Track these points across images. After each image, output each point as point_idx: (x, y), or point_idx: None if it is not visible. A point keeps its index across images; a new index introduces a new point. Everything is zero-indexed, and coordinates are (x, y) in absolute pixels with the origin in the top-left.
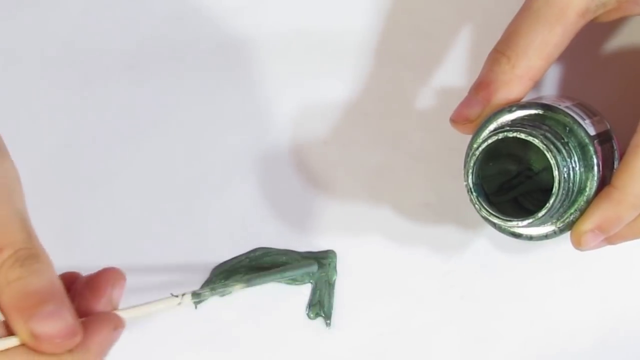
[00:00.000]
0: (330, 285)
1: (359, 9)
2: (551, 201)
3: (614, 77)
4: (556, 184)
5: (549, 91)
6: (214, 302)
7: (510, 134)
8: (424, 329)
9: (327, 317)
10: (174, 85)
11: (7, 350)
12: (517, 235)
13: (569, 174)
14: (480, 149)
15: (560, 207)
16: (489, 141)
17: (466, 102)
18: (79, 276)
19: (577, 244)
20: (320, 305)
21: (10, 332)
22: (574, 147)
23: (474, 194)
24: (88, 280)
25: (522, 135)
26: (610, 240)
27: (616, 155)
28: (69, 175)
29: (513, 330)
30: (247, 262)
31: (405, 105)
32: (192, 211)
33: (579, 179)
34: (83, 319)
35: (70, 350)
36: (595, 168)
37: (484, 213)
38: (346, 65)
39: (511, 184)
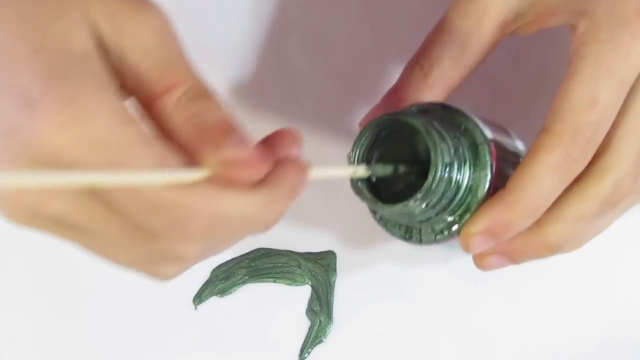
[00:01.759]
0: (330, 285)
1: (358, 9)
2: (427, 183)
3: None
4: (433, 169)
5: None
6: (214, 302)
7: (394, 116)
8: (424, 329)
9: (327, 317)
10: None
11: (193, 184)
12: (408, 238)
13: (452, 163)
14: (362, 134)
15: (441, 198)
16: (373, 124)
17: (375, 108)
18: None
19: (466, 247)
20: (320, 306)
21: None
22: (467, 146)
23: (354, 179)
24: (264, 140)
25: (402, 117)
26: (512, 257)
27: None
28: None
29: (513, 330)
30: (247, 262)
31: None
32: None
33: (469, 177)
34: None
35: (260, 185)
36: (488, 168)
37: (362, 196)
38: (346, 65)
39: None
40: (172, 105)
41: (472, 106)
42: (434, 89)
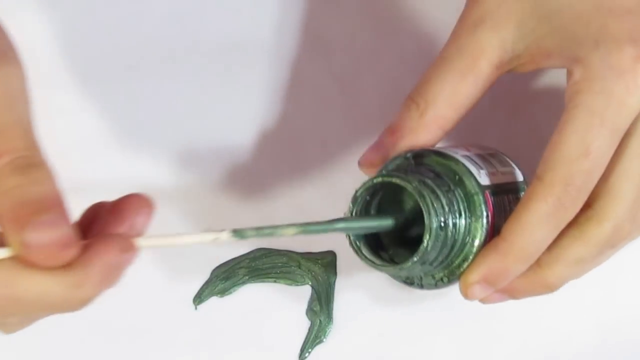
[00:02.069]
0: (330, 285)
1: (359, 9)
2: (421, 250)
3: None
4: (427, 233)
5: (465, 139)
6: (214, 303)
7: (387, 179)
8: (424, 329)
9: (327, 317)
10: (174, 85)
11: None
12: (410, 283)
13: (447, 223)
14: (358, 194)
15: (438, 255)
16: (367, 185)
17: (374, 146)
18: (105, 205)
19: (465, 295)
20: (320, 306)
21: (3, 244)
22: (461, 197)
23: (353, 237)
24: (111, 206)
25: (395, 180)
26: (512, 294)
27: None
28: (68, 175)
29: (513, 330)
30: (247, 262)
31: None
32: (192, 211)
33: (465, 228)
34: (88, 240)
35: (66, 267)
36: (484, 219)
37: (360, 257)
38: (346, 66)
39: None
40: None
41: (469, 132)
42: (429, 128)
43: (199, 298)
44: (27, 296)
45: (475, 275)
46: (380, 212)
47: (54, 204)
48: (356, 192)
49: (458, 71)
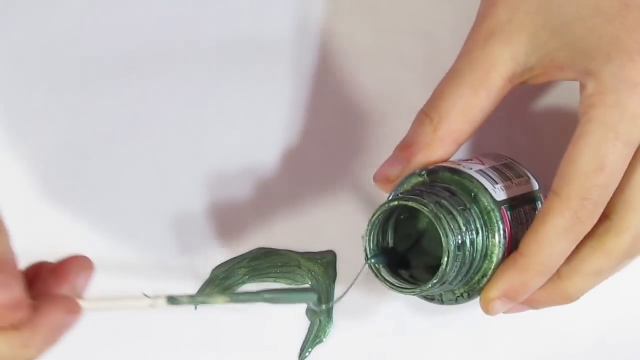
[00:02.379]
0: (330, 285)
1: (358, 9)
2: (440, 272)
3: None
4: (445, 256)
5: (479, 150)
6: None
7: (403, 202)
8: (424, 329)
9: (327, 317)
10: (174, 86)
11: None
12: (430, 299)
13: (464, 242)
14: (375, 217)
15: (458, 275)
16: (384, 209)
17: (389, 162)
18: (48, 265)
19: (486, 311)
20: (320, 306)
21: None
22: (477, 214)
23: (372, 260)
24: (53, 267)
25: (412, 204)
26: (531, 305)
27: None
28: (68, 175)
29: (513, 330)
30: (247, 262)
31: (405, 106)
32: (192, 211)
33: (483, 245)
34: (36, 301)
35: (15, 327)
36: (501, 234)
37: (380, 280)
38: (346, 66)
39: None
40: None
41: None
42: (444, 142)
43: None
44: None
45: (495, 291)
46: (398, 231)
47: (7, 266)
48: (373, 216)
49: (471, 85)
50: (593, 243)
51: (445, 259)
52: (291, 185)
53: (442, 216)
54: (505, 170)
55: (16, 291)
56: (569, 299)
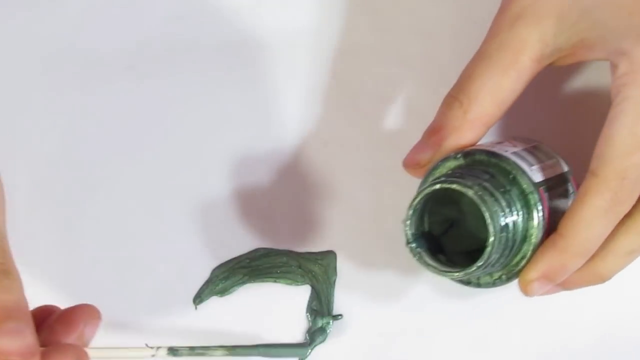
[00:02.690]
0: (330, 285)
1: (358, 9)
2: (485, 254)
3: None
4: (491, 238)
5: (507, 132)
6: (214, 303)
7: (446, 185)
8: (424, 329)
9: (327, 317)
10: (174, 86)
11: None
12: (467, 283)
13: (507, 224)
14: (416, 202)
15: (500, 257)
16: (426, 192)
17: (418, 147)
18: (55, 310)
19: (525, 292)
20: (320, 306)
21: None
22: (517, 196)
23: (413, 244)
24: (62, 314)
25: (455, 187)
26: (565, 286)
27: (572, 198)
28: (68, 175)
29: (513, 330)
30: (247, 262)
31: (405, 106)
32: (192, 211)
33: (522, 227)
34: (46, 347)
35: None
36: (540, 216)
37: (422, 263)
38: (346, 66)
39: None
40: None
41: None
42: (474, 125)
43: (199, 298)
44: None
45: (534, 272)
46: (432, 215)
47: (21, 313)
48: (414, 200)
49: (500, 67)
50: (628, 222)
51: (491, 241)
52: (291, 185)
53: (486, 198)
54: (536, 152)
55: (29, 339)
56: (601, 279)
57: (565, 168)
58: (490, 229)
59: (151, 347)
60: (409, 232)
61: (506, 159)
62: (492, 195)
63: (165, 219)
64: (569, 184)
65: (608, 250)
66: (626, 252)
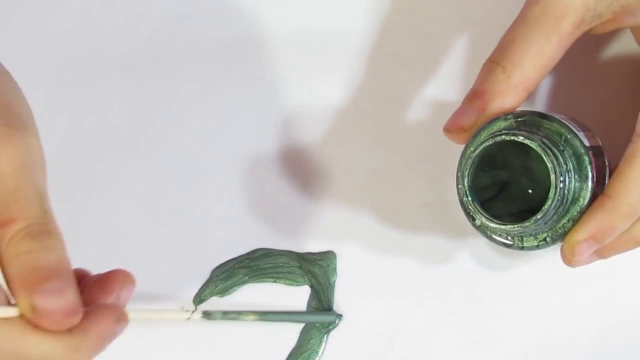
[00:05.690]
0: (330, 285)
1: (359, 9)
2: (547, 205)
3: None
4: (552, 189)
5: (540, 105)
6: (214, 303)
7: (509, 137)
8: (424, 329)
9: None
10: (174, 86)
11: (5, 319)
12: (509, 245)
13: (564, 181)
14: (477, 151)
15: (554, 214)
16: (487, 143)
17: (460, 112)
18: (88, 274)
19: (571, 254)
20: (320, 306)
21: (10, 302)
22: (570, 156)
23: (469, 197)
24: (98, 279)
25: (521, 139)
26: (602, 253)
27: (607, 171)
28: (68, 175)
29: (513, 330)
30: (247, 262)
31: (404, 106)
32: (192, 211)
33: (574, 188)
34: (87, 308)
35: (69, 331)
36: (590, 178)
37: (478, 217)
38: (346, 66)
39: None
40: (8, 239)
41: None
42: (517, 90)
43: (199, 298)
44: (31, 355)
45: (583, 233)
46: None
47: (63, 272)
48: (472, 151)
49: (543, 32)
50: None
51: (552, 193)
52: (290, 185)
53: (549, 152)
54: (576, 122)
55: (71, 298)
56: (637, 242)
57: (600, 142)
58: (552, 180)
59: (187, 311)
60: (466, 184)
61: (558, 120)
62: (551, 150)
63: (165, 218)
64: (605, 157)
65: None
66: None
